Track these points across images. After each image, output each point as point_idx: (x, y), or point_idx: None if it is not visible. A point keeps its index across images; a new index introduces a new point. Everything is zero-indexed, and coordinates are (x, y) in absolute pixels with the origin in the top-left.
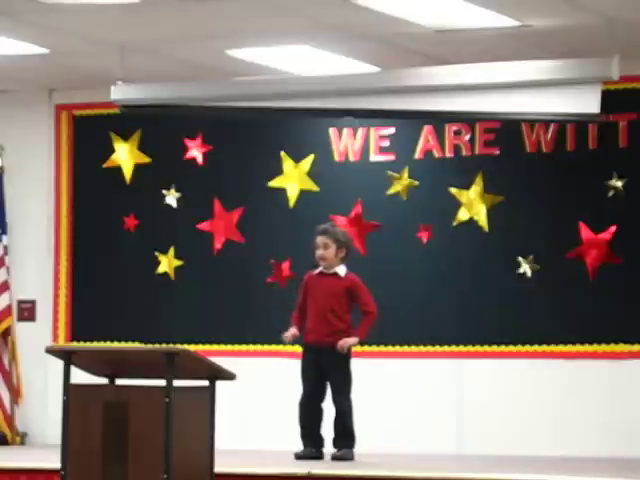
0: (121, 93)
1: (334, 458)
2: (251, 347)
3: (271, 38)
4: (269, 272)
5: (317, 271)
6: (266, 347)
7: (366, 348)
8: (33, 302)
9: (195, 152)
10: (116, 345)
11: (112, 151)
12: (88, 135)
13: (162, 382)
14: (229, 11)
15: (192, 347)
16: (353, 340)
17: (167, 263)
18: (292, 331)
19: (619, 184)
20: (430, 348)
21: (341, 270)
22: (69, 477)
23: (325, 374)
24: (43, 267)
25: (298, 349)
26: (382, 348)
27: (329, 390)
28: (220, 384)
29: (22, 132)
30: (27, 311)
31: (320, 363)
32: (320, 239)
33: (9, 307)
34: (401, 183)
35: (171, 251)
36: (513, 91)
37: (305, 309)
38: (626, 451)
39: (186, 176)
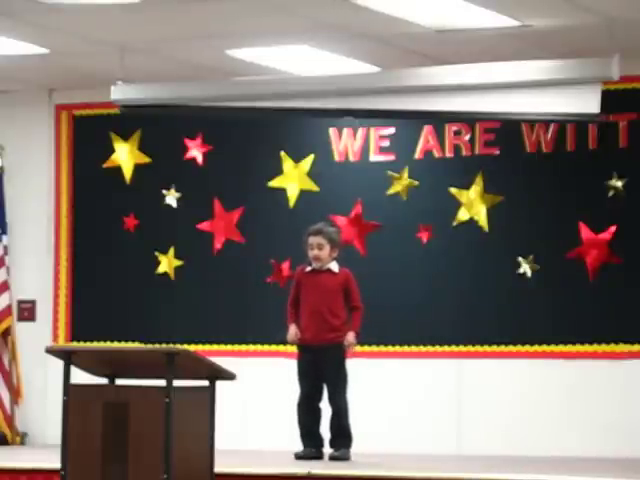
0: (121, 93)
1: (332, 458)
2: (251, 347)
3: (271, 38)
4: (269, 272)
5: (309, 268)
6: (266, 347)
7: (366, 348)
8: (33, 302)
9: (195, 152)
10: (116, 345)
11: (112, 151)
12: (88, 135)
13: (162, 382)
14: (229, 11)
15: (192, 347)
16: (354, 336)
17: (167, 263)
18: (295, 330)
19: (619, 184)
20: (430, 348)
21: (334, 266)
22: (69, 477)
23: (322, 373)
24: (43, 267)
25: (296, 349)
26: (382, 348)
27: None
28: (220, 384)
29: (22, 132)
30: (27, 311)
31: (317, 362)
32: (314, 239)
33: (9, 307)
34: (401, 183)
35: (171, 251)
36: (513, 91)
37: (298, 306)
38: (626, 451)
39: (186, 176)
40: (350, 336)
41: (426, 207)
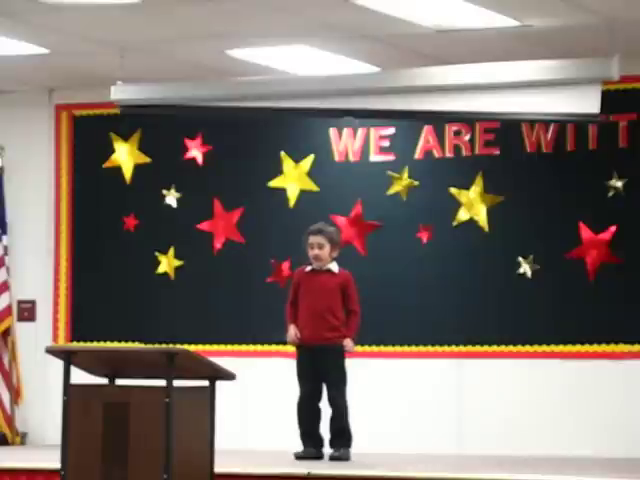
0: (121, 93)
1: (332, 458)
2: (251, 347)
3: (271, 38)
4: (269, 272)
5: (308, 269)
6: (266, 347)
7: (366, 348)
8: (33, 302)
9: (195, 152)
10: (116, 345)
11: (112, 151)
12: (88, 135)
13: (162, 382)
14: (229, 11)
15: (192, 347)
16: (351, 343)
17: (167, 263)
18: (294, 331)
19: (619, 184)
20: (430, 348)
21: (334, 267)
22: (69, 477)
23: (321, 374)
24: (43, 267)
25: (295, 349)
26: (382, 348)
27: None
28: (220, 384)
29: (22, 132)
30: (27, 311)
31: (316, 362)
32: (314, 239)
33: (9, 307)
34: (401, 183)
35: (171, 251)
36: (513, 91)
37: (297, 306)
38: (626, 451)
39: (186, 176)
40: (348, 343)
41: (426, 207)
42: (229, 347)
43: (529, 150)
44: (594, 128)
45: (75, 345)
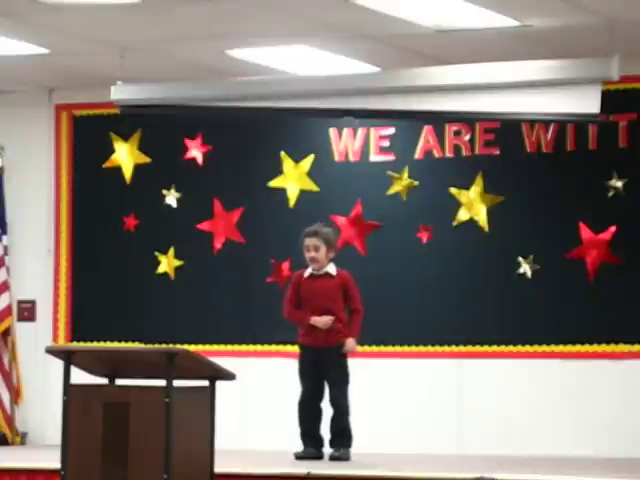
0: (121, 93)
1: (332, 458)
2: (251, 347)
3: (271, 38)
4: (269, 272)
5: (307, 274)
6: (266, 347)
7: (366, 348)
8: (33, 302)
9: (195, 152)
10: (116, 345)
11: (112, 151)
12: (88, 135)
13: (162, 382)
14: (229, 11)
15: (192, 347)
16: (354, 343)
17: (167, 263)
18: (323, 317)
19: (619, 184)
20: (430, 348)
21: (332, 269)
22: (69, 477)
23: (323, 373)
24: (43, 267)
25: (297, 349)
26: (382, 348)
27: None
28: (220, 384)
29: (22, 132)
30: (27, 311)
31: (318, 362)
32: (310, 241)
33: (9, 307)
34: (401, 183)
35: (171, 251)
36: (513, 91)
37: (297, 306)
38: (626, 451)
39: (186, 176)
40: (350, 343)
41: (426, 207)
42: (229, 347)
43: (529, 150)
44: (594, 128)
45: (75, 345)
